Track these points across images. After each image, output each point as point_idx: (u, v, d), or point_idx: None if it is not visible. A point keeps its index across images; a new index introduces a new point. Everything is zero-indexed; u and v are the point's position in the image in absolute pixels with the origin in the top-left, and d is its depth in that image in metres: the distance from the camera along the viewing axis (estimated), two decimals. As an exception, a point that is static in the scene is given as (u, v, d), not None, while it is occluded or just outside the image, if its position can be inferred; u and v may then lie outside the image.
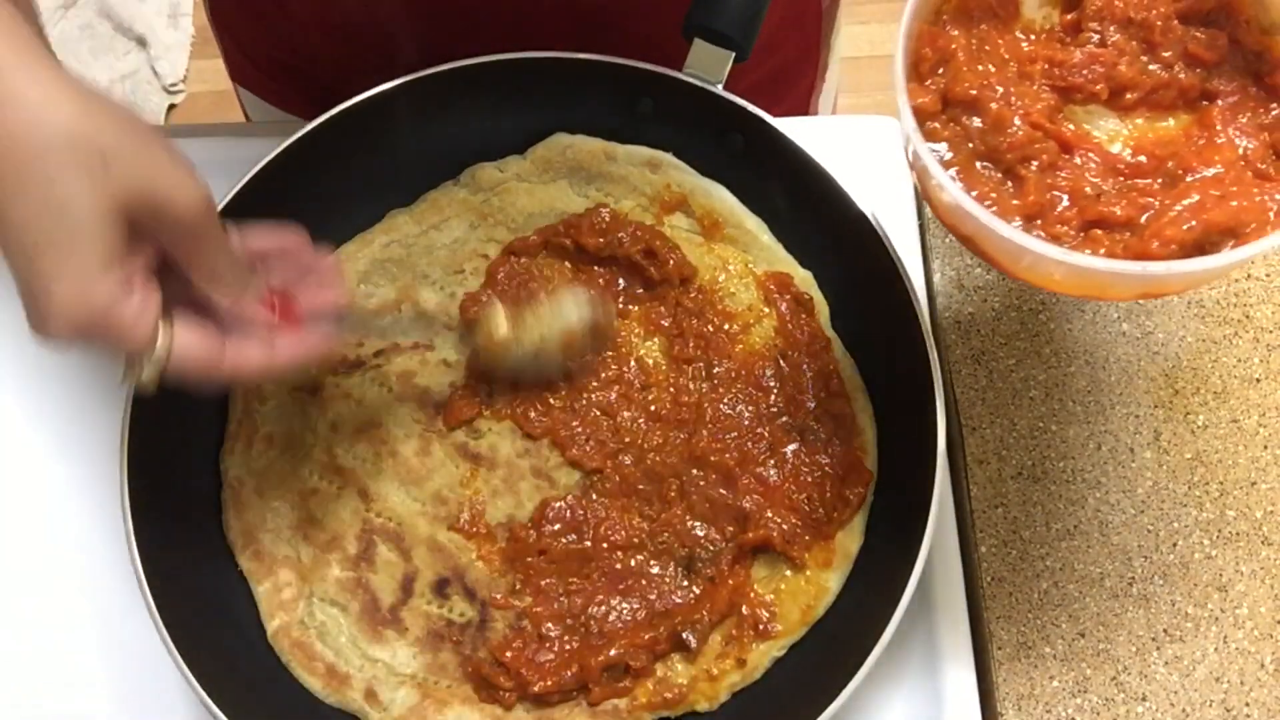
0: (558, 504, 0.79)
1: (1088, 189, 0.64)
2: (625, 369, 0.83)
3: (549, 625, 0.77)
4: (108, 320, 0.59)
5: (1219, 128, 0.65)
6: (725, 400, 0.81)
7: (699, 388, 0.82)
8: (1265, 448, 0.85)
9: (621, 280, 0.85)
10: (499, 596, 0.78)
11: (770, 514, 0.78)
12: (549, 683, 0.75)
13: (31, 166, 0.56)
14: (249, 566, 0.79)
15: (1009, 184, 0.64)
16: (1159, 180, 0.65)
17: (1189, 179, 0.64)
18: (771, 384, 0.82)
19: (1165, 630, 0.80)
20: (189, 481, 0.80)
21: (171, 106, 2.39)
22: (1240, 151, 0.64)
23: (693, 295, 0.83)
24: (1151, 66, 0.66)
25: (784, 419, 0.81)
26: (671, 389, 0.82)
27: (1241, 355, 0.88)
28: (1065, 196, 0.64)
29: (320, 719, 0.76)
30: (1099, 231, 0.63)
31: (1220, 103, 0.66)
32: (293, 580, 0.78)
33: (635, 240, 0.83)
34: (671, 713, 0.76)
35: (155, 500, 0.74)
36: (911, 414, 0.76)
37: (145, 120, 0.61)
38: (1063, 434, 0.86)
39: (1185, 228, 0.62)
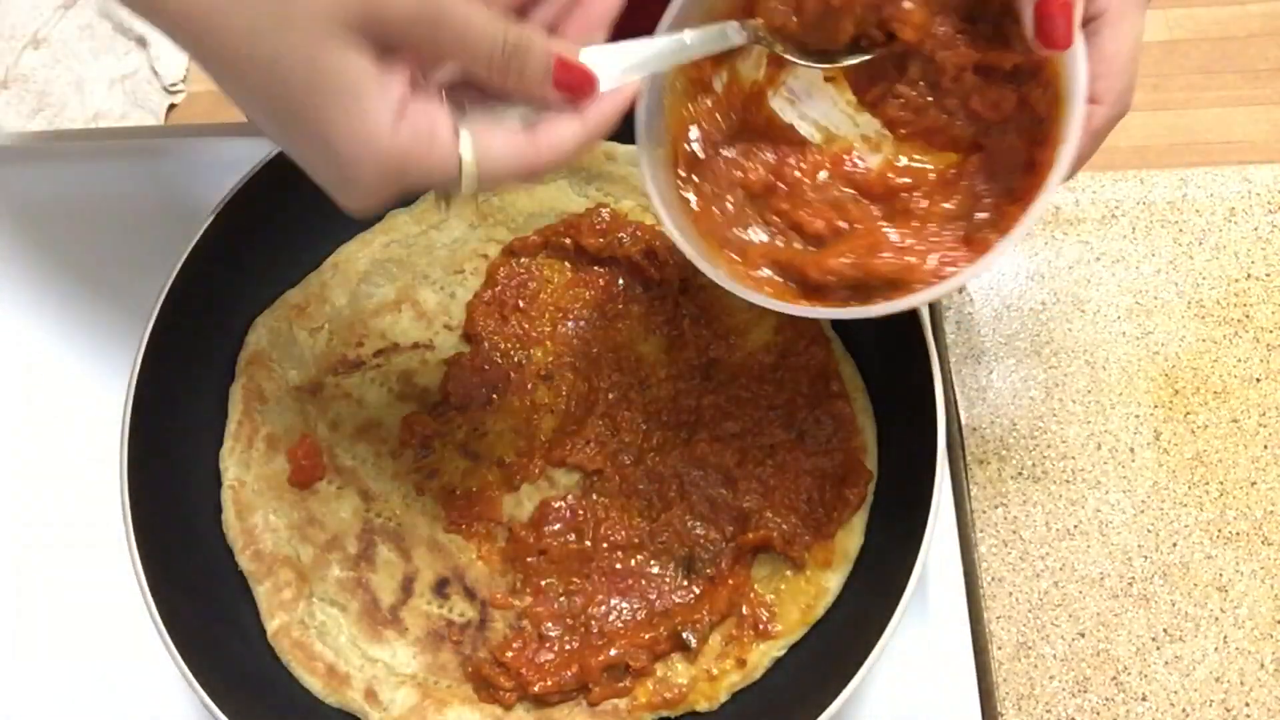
0: (558, 504, 0.79)
1: (804, 186, 0.66)
2: (625, 369, 0.82)
3: (549, 625, 0.77)
4: (408, 157, 0.54)
5: (963, 182, 0.64)
6: (725, 400, 0.81)
7: (699, 388, 0.82)
8: (1265, 448, 0.85)
9: (621, 280, 0.85)
10: (499, 596, 0.78)
11: (770, 514, 0.78)
12: (549, 683, 0.75)
13: (244, 49, 0.52)
14: (249, 566, 0.79)
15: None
16: (880, 208, 0.66)
17: (898, 219, 0.64)
18: (771, 384, 0.81)
19: (1165, 630, 0.80)
20: (189, 481, 0.80)
21: (171, 106, 2.39)
22: (963, 210, 0.64)
23: (693, 295, 0.83)
24: (930, 110, 0.65)
25: (784, 419, 0.81)
26: (671, 389, 0.82)
27: (1241, 355, 0.88)
28: (787, 188, 0.66)
29: (320, 719, 0.76)
30: (795, 234, 0.64)
31: (979, 156, 0.65)
32: (293, 580, 0.78)
33: (635, 240, 0.83)
34: (671, 713, 0.76)
35: (155, 500, 0.74)
36: (911, 414, 0.76)
37: None
38: (1063, 434, 0.86)
39: (845, 262, 0.62)
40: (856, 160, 0.67)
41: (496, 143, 0.56)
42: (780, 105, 0.69)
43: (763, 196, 0.66)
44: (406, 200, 0.86)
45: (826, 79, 0.68)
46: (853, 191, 0.66)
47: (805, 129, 0.69)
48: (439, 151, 0.55)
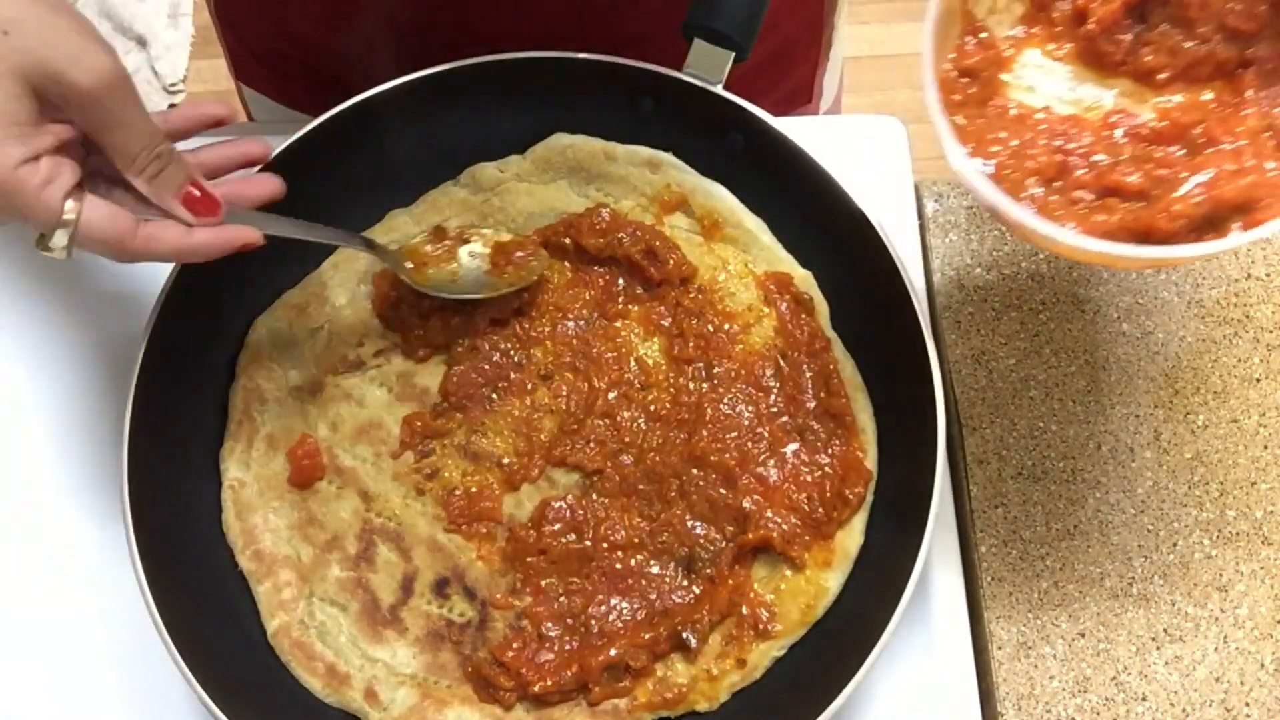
0: (558, 504, 0.79)
1: (1100, 156, 0.65)
2: (625, 369, 0.83)
3: (549, 625, 0.77)
4: (9, 188, 0.59)
5: (1248, 95, 0.65)
6: (725, 400, 0.81)
7: (699, 388, 0.82)
8: (1265, 448, 0.85)
9: (621, 280, 0.85)
10: (499, 596, 0.78)
11: (770, 514, 0.78)
12: (549, 683, 0.75)
13: None
14: (249, 566, 0.79)
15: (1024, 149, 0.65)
16: (1181, 149, 0.65)
17: (1209, 150, 0.64)
18: (771, 384, 0.81)
19: (1165, 630, 0.80)
20: (189, 481, 0.80)
21: (171, 106, 2.39)
22: (1266, 122, 0.64)
23: (692, 295, 0.83)
24: (1187, 44, 0.66)
25: (784, 419, 0.81)
26: (671, 389, 0.82)
27: (1241, 355, 0.88)
28: (1083, 161, 0.65)
29: (320, 719, 0.76)
30: (1114, 200, 0.63)
31: (1254, 69, 0.65)
32: (293, 580, 0.78)
33: (635, 240, 0.83)
34: (671, 713, 0.76)
35: (155, 500, 0.74)
36: (911, 414, 0.76)
37: None
38: (1063, 434, 0.86)
39: (1194, 203, 0.62)
40: (1131, 116, 0.67)
41: (100, 213, 0.63)
42: (1021, 95, 0.69)
43: (1058, 178, 0.65)
44: (405, 201, 0.87)
45: (1053, 58, 0.68)
46: (1146, 145, 0.66)
47: (1062, 109, 0.68)
48: (46, 198, 0.61)
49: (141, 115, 0.64)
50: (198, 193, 0.66)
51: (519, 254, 0.83)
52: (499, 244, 0.83)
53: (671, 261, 0.83)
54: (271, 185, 0.73)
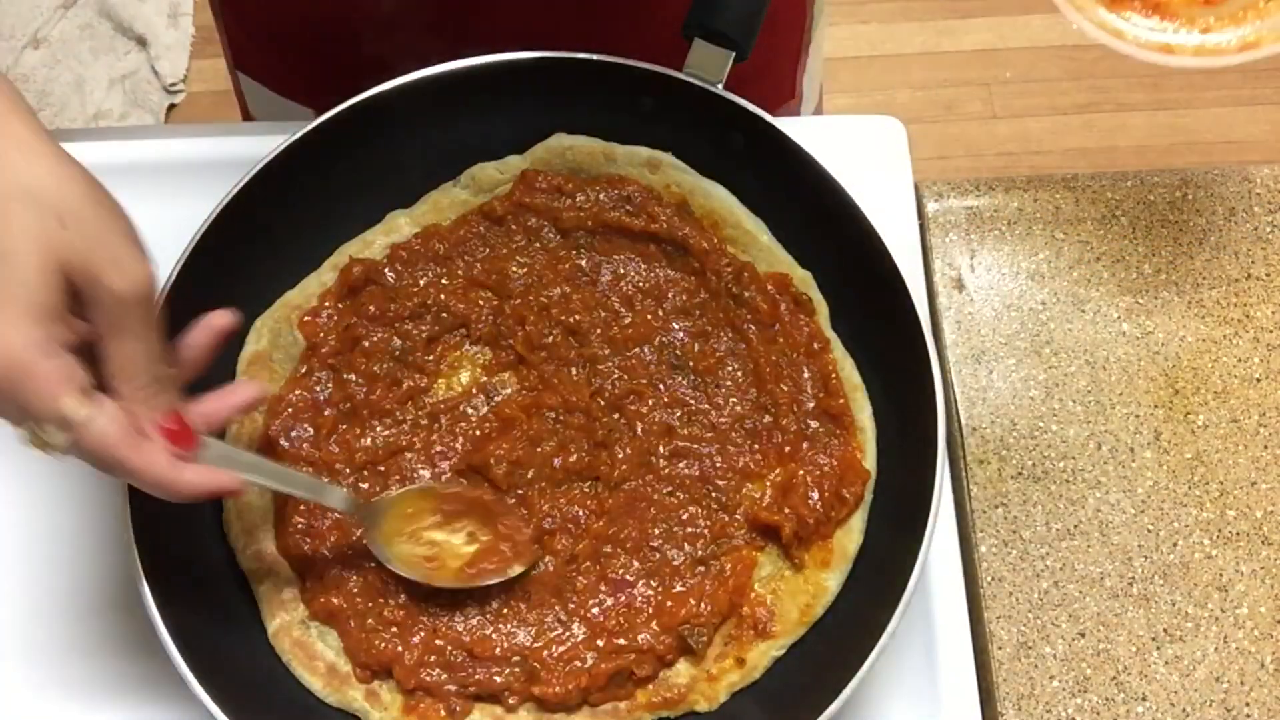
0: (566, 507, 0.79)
1: None
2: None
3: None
4: (22, 371, 0.57)
5: None
6: (725, 400, 0.81)
7: (699, 387, 0.82)
8: (1265, 448, 0.85)
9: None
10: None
11: (778, 507, 0.78)
12: (555, 690, 0.75)
13: None
14: (250, 566, 0.79)
15: None
16: None
17: None
18: (771, 384, 0.81)
19: (1165, 630, 0.80)
20: (189, 481, 0.80)
21: (171, 106, 2.39)
22: None
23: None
24: None
25: (783, 419, 0.81)
26: (673, 389, 0.82)
27: (1241, 355, 0.88)
28: None
29: (321, 718, 0.76)
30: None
31: None
32: (293, 580, 0.78)
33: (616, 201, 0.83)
34: (671, 713, 0.76)
35: (156, 500, 0.74)
36: (911, 414, 0.76)
37: (114, 197, 0.62)
38: (1063, 434, 0.86)
39: None
40: None
41: (115, 422, 0.60)
42: None
43: None
44: (405, 201, 0.86)
45: None
46: None
47: None
48: (55, 389, 0.58)
49: (156, 333, 0.63)
50: (175, 427, 0.64)
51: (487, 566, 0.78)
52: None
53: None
54: (249, 392, 0.71)
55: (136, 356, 0.62)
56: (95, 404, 0.60)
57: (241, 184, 0.78)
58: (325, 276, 0.85)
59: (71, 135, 1.01)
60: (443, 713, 0.75)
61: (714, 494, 0.79)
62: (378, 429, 0.80)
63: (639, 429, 0.80)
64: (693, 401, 0.81)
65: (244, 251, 0.80)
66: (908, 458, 0.76)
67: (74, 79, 2.38)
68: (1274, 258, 0.91)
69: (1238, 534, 0.83)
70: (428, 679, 0.75)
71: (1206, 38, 0.68)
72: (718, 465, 0.80)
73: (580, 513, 0.79)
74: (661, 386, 0.81)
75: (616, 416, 0.81)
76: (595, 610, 0.77)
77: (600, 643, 0.76)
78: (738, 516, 0.79)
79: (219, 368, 0.82)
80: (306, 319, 0.82)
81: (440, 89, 0.81)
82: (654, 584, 0.77)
